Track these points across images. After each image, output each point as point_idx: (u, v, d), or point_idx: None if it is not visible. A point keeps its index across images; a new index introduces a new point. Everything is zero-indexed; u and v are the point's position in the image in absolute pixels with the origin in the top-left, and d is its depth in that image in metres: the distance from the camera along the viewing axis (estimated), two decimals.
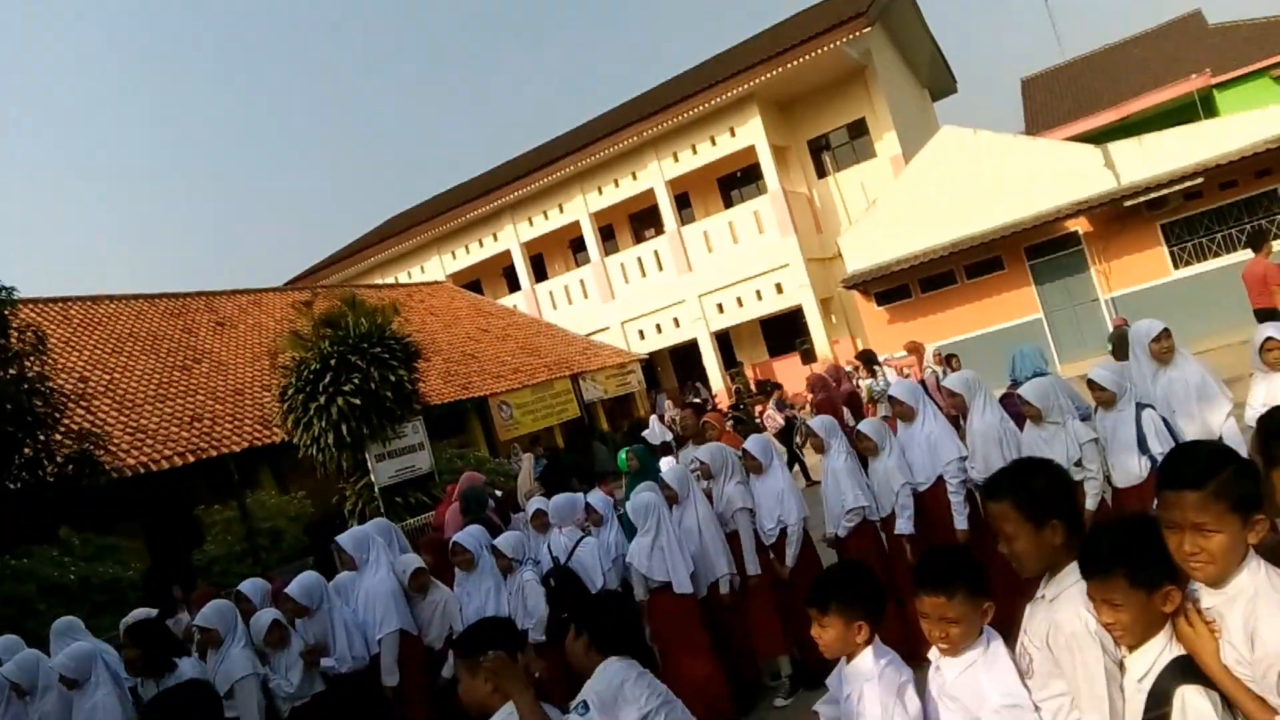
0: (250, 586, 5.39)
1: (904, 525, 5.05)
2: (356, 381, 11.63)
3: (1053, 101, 29.14)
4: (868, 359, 12.87)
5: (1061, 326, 17.37)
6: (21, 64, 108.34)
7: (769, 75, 21.54)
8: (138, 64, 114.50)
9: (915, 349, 12.50)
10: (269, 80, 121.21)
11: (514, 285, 28.16)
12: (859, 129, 23.89)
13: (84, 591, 8.87)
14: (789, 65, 21.31)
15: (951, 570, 2.22)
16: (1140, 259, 16.54)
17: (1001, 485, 2.16)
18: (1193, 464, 1.81)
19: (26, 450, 9.03)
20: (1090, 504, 4.50)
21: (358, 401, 11.59)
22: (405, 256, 29.18)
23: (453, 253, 28.52)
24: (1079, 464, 4.52)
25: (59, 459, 9.32)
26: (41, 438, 9.18)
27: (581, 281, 26.28)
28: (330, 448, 11.80)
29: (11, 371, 9.01)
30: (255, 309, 19.07)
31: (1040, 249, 17.37)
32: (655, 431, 16.82)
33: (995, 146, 17.50)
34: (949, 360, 11.53)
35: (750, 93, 22.17)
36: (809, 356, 22.45)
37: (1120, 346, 14.00)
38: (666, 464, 6.54)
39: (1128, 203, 15.86)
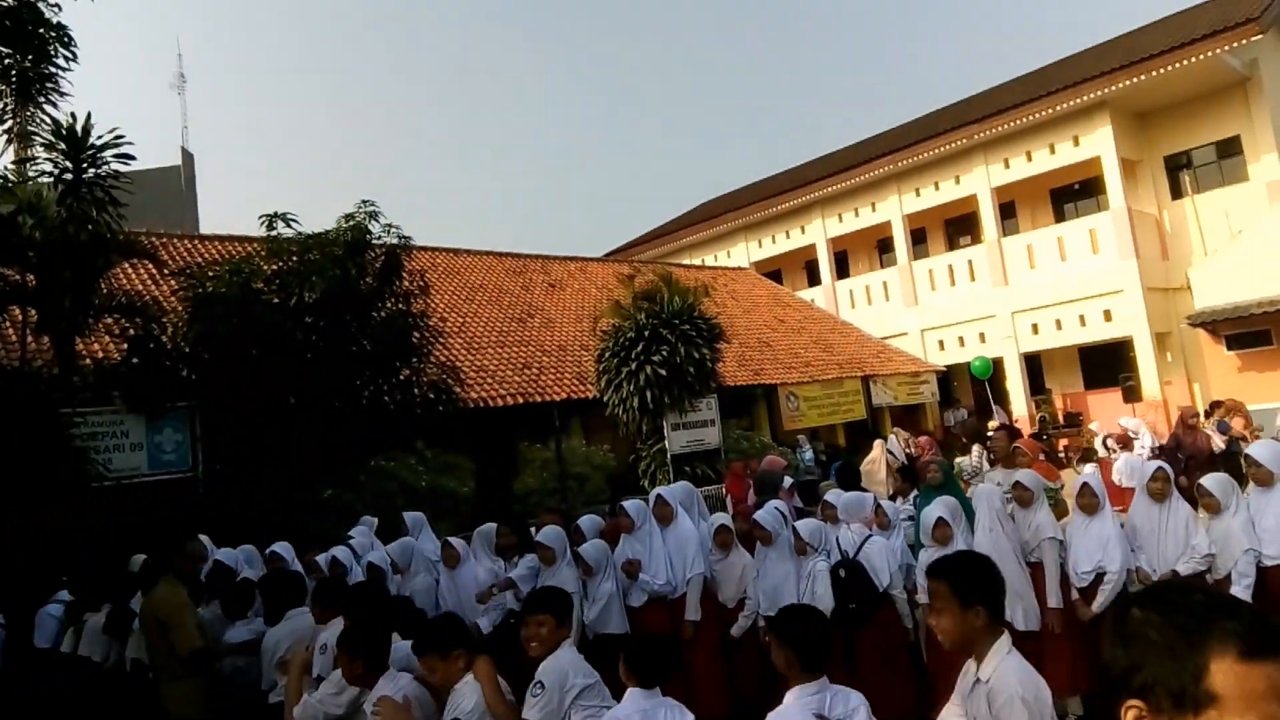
0: (587, 521, 6.24)
1: (1240, 593, 4.72)
2: (665, 354, 12.56)
3: None
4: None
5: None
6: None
7: (1129, 82, 19.63)
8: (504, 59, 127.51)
9: (1236, 407, 11.12)
10: (609, 72, 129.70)
11: (814, 279, 28.24)
12: (1230, 148, 21.06)
13: (431, 497, 10.51)
14: (1155, 73, 19.26)
15: None
16: None
17: None
18: None
19: (403, 374, 10.88)
20: None
21: (664, 372, 12.52)
22: (714, 240, 30.28)
23: (759, 241, 29.15)
24: None
25: (424, 384, 11.12)
26: (415, 364, 11.01)
27: (885, 283, 25.77)
28: (634, 410, 12.88)
29: (402, 307, 10.87)
30: (582, 275, 20.99)
31: None
32: (895, 450, 14.36)
33: None
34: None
35: (1103, 100, 20.35)
36: (1132, 394, 20.37)
37: None
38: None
39: None
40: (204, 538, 6.72)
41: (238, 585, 5.61)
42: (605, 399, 13.19)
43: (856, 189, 25.55)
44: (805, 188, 26.55)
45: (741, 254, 29.51)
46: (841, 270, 27.85)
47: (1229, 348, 16.76)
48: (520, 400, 13.65)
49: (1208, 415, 11.28)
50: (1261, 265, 16.01)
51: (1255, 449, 5.00)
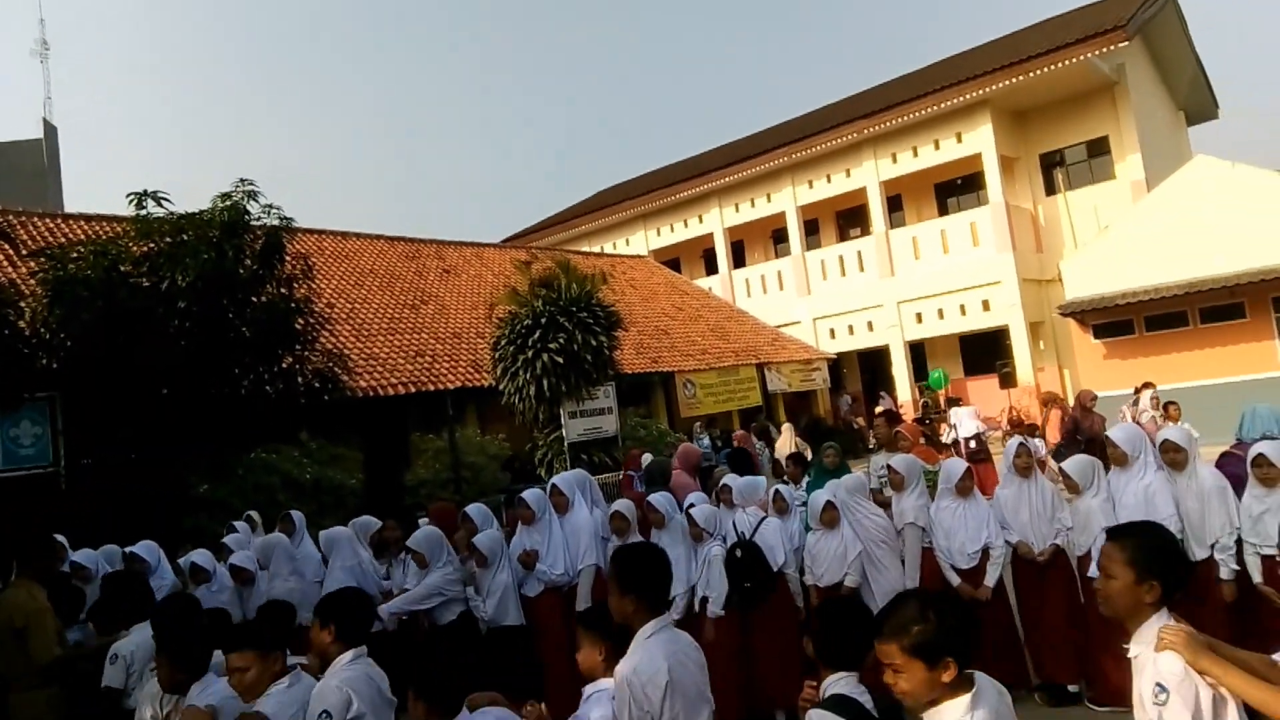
0: (476, 510, 6.10)
1: (1096, 571, 4.99)
2: (562, 341, 12.43)
3: None
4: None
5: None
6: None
7: (1008, 82, 20.58)
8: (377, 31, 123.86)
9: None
10: (503, 49, 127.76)
11: (712, 268, 28.58)
12: (1099, 147, 22.37)
13: (315, 490, 10.13)
14: (1032, 74, 20.25)
15: None
16: None
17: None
18: None
19: (285, 361, 10.41)
20: None
21: (560, 360, 12.39)
22: (613, 228, 30.26)
23: (658, 229, 29.30)
24: None
25: (308, 372, 10.67)
26: (298, 352, 10.54)
27: (779, 273, 26.31)
28: (530, 399, 12.70)
29: (283, 291, 10.38)
30: (478, 261, 20.60)
31: None
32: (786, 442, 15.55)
33: (1254, 183, 15.97)
34: (1167, 407, 10.84)
35: (985, 99, 21.27)
36: (1008, 380, 21.42)
37: None
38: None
39: None
40: (60, 538, 6.26)
41: (68, 590, 5.22)
42: (501, 387, 12.95)
43: (753, 180, 25.96)
44: (703, 177, 26.81)
45: (640, 242, 29.59)
46: (738, 259, 28.28)
47: (1096, 336, 17.78)
48: (412, 389, 13.29)
49: (1136, 394, 11.82)
50: (1126, 259, 17.04)
51: (1113, 432, 5.26)
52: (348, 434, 12.15)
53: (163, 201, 10.01)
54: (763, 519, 5.92)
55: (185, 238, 9.57)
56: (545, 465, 13.03)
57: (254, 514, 8.17)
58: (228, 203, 9.97)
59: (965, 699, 2.02)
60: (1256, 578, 4.51)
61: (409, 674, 2.97)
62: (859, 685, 2.51)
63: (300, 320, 10.44)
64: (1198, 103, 28.97)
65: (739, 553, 5.51)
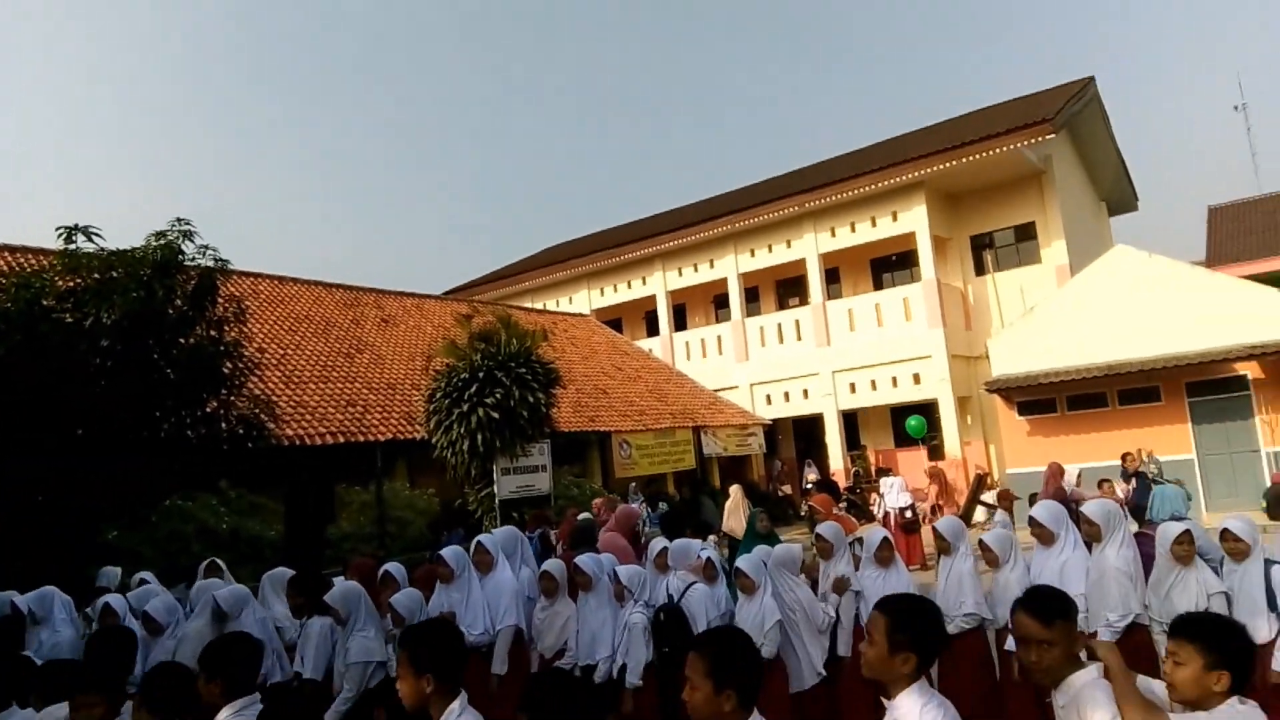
0: (396, 569, 5.94)
1: (1016, 642, 5.07)
2: (499, 396, 12.35)
3: (1240, 234, 27.69)
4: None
5: (1214, 472, 16.39)
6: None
7: (943, 166, 21.50)
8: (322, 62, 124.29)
9: (1056, 472, 12.15)
10: (457, 97, 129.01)
11: (653, 330, 28.83)
12: (1026, 232, 23.41)
13: (232, 541, 9.78)
14: (965, 159, 21.21)
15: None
16: None
17: None
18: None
19: (210, 406, 10.10)
20: None
21: (496, 415, 12.29)
22: (556, 285, 30.40)
23: (601, 289, 29.52)
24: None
25: (233, 418, 10.36)
26: (224, 397, 10.24)
27: (719, 337, 26.66)
28: (463, 454, 12.53)
29: (213, 334, 10.13)
30: (417, 312, 20.42)
31: (1203, 387, 16.52)
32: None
33: (1170, 274, 16.86)
34: (1100, 484, 11.19)
35: (920, 180, 22.16)
36: (936, 453, 21.96)
37: (1277, 505, 13.19)
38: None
39: None
40: None
41: None
42: (434, 440, 12.77)
43: (696, 245, 26.44)
44: (648, 240, 27.21)
45: (584, 301, 29.75)
46: (680, 322, 28.60)
47: (1020, 413, 18.34)
48: (341, 439, 12.99)
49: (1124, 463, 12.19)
50: (1049, 340, 17.72)
51: (1037, 510, 5.40)
52: (270, 484, 11.80)
53: (94, 236, 9.75)
54: (691, 584, 5.90)
55: (115, 274, 9.31)
56: (476, 521, 12.82)
57: (113, 570, 7.80)
58: (162, 241, 9.76)
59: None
60: (1161, 653, 4.61)
61: None
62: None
63: (228, 364, 10.18)
64: (1119, 194, 30.62)
65: (663, 616, 5.48)
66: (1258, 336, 15.50)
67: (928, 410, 22.44)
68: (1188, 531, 4.64)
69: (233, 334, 10.40)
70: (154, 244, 9.73)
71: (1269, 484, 14.50)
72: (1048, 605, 2.56)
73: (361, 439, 13.27)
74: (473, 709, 2.80)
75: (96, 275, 9.37)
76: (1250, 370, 15.96)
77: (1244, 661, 2.38)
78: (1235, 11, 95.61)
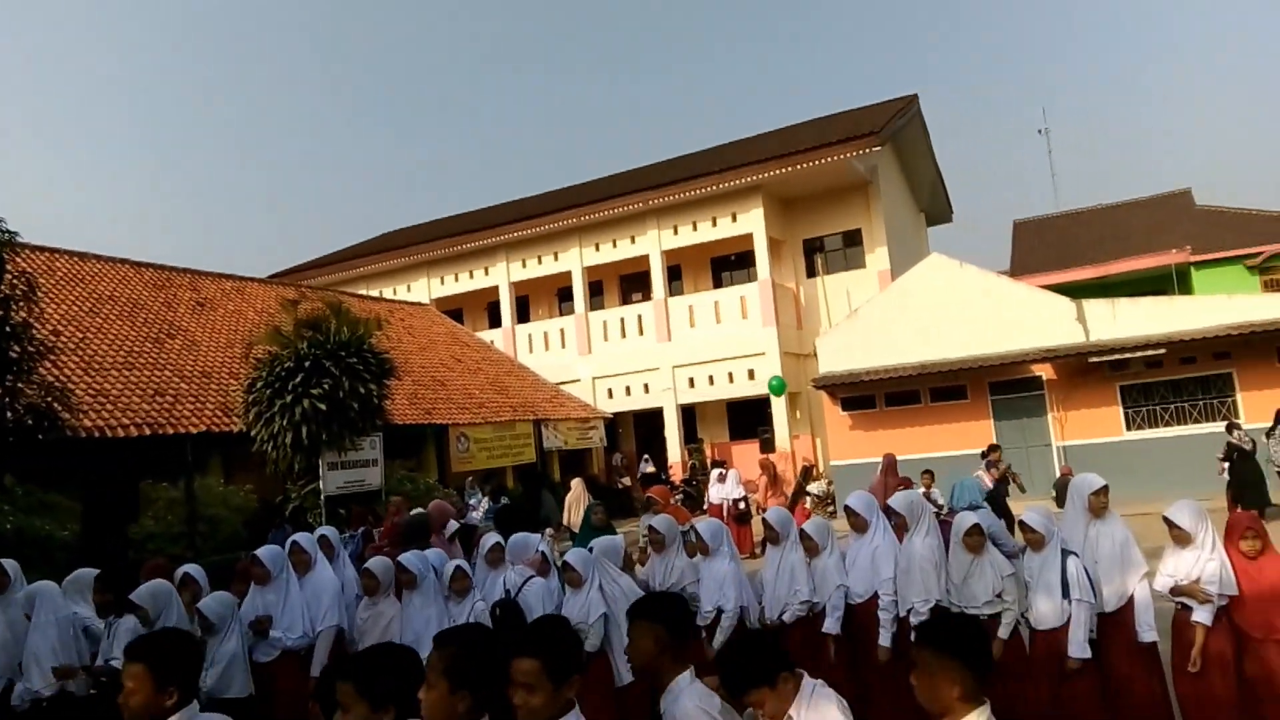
0: (196, 570, 5.52)
1: (831, 625, 5.32)
2: (326, 387, 11.75)
3: (1040, 248, 30.41)
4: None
5: (1013, 464, 17.89)
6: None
7: (778, 171, 22.35)
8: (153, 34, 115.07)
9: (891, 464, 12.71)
10: (303, 70, 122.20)
11: (495, 321, 28.40)
12: (853, 238, 24.72)
13: (17, 543, 8.80)
14: (799, 166, 22.15)
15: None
16: (1096, 414, 17.22)
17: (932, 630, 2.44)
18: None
19: None
20: (1003, 633, 4.80)
21: (324, 407, 11.69)
22: (394, 272, 29.36)
23: (441, 278, 28.77)
24: (999, 595, 4.83)
25: (20, 406, 9.34)
26: (9, 383, 9.21)
27: (562, 330, 26.60)
28: (286, 447, 11.84)
29: None
30: (238, 295, 19.13)
31: (1004, 386, 18.03)
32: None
33: (978, 282, 18.27)
34: (922, 475, 11.77)
35: (758, 184, 22.94)
36: (768, 446, 22.82)
37: (1063, 494, 14.52)
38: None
39: (1092, 359, 16.60)
40: None
41: None
42: (253, 433, 11.99)
43: (541, 237, 26.25)
44: (492, 230, 26.75)
45: (423, 289, 28.90)
46: (523, 314, 28.31)
47: (844, 408, 19.37)
48: (147, 431, 11.96)
49: (984, 457, 12.61)
50: (871, 340, 18.81)
51: (851, 500, 5.67)
52: (65, 479, 10.73)
53: None
54: (529, 578, 5.82)
55: None
56: (302, 520, 12.15)
57: None
58: None
59: None
60: None
61: None
62: None
63: (15, 347, 9.16)
64: (936, 206, 32.92)
65: (498, 611, 5.37)
66: (1052, 340, 17.09)
67: (760, 405, 23.29)
68: (976, 524, 4.98)
69: (21, 314, 9.38)
70: None
71: (1058, 475, 15.99)
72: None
73: (170, 431, 12.28)
74: None
75: None
76: (1045, 371, 17.55)
77: (984, 659, 2.30)
78: (1042, 43, 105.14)
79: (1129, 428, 17.07)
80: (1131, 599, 4.69)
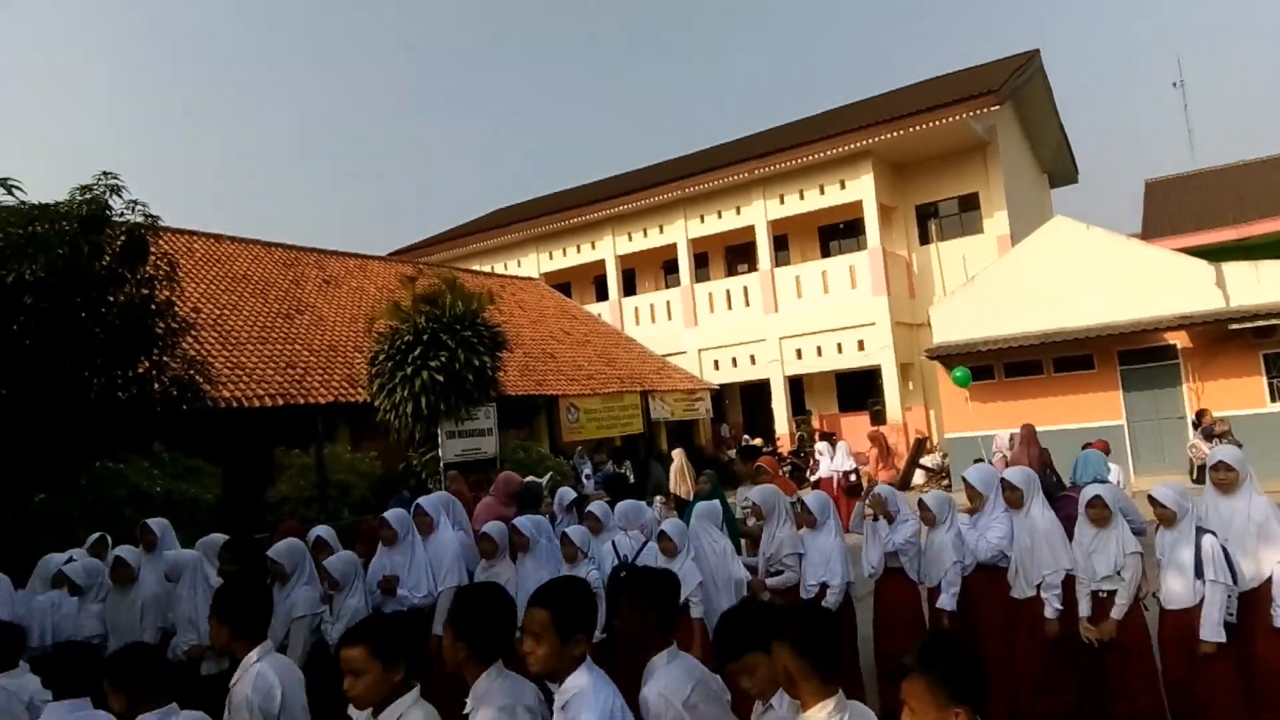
0: (327, 532, 5.87)
1: (946, 601, 5.22)
2: (443, 359, 12.20)
3: (1174, 208, 28.43)
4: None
5: (1143, 438, 16.99)
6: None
7: (890, 135, 21.66)
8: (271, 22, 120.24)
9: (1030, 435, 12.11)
10: (412, 63, 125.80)
11: (602, 294, 28.72)
12: (970, 203, 23.77)
13: (166, 505, 9.52)
14: (912, 129, 21.39)
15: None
16: (1237, 384, 16.10)
17: None
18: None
19: (141, 366, 9.79)
20: (1115, 613, 4.62)
21: (441, 379, 12.15)
22: (505, 248, 30.05)
23: (550, 253, 29.27)
24: (1118, 572, 4.63)
25: (165, 379, 10.06)
26: (156, 357, 9.93)
27: (668, 303, 26.68)
28: (407, 417, 12.38)
29: (144, 292, 9.78)
30: (360, 273, 20.01)
31: (1134, 356, 17.05)
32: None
33: (1106, 246, 17.27)
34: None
35: (868, 149, 22.30)
36: (879, 418, 22.37)
37: (1199, 470, 13.68)
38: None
39: (1233, 325, 15.49)
40: None
41: None
42: (377, 404, 12.58)
43: (646, 210, 26.31)
44: (598, 204, 26.99)
45: (532, 264, 29.48)
46: (629, 287, 28.53)
47: None
48: (280, 401, 12.73)
49: (1196, 424, 12.00)
50: (989, 308, 18.08)
51: (970, 474, 5.52)
52: (207, 447, 11.52)
53: (14, 190, 9.31)
54: (644, 544, 5.89)
55: (36, 229, 8.91)
56: (420, 484, 12.71)
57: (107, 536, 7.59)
58: (87, 195, 9.36)
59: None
60: (1085, 611, 4.76)
61: None
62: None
63: (160, 324, 9.86)
64: (1060, 166, 31.21)
65: (623, 574, 5.47)
66: (1187, 307, 16.02)
67: (870, 376, 22.79)
68: (1098, 496, 4.77)
69: (164, 293, 10.08)
70: (79, 199, 9.34)
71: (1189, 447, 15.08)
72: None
73: (301, 401, 13.02)
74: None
75: (17, 231, 8.96)
76: (1179, 340, 16.50)
77: (981, 690, 2.01)
78: None
79: (1274, 398, 15.89)
80: (1269, 580, 4.42)
